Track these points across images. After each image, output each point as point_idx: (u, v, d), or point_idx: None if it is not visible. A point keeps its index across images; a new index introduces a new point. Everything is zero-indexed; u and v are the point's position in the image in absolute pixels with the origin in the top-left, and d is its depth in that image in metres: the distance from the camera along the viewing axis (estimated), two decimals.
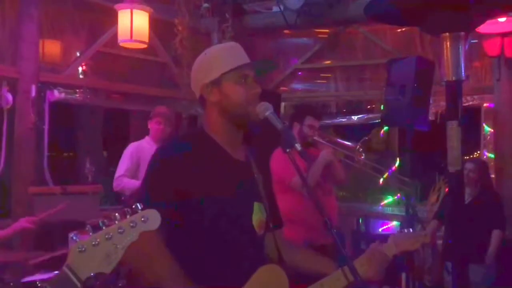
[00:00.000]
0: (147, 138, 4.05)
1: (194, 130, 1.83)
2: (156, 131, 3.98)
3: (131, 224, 1.15)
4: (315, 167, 3.29)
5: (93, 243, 1.11)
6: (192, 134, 1.80)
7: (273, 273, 1.63)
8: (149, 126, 4.04)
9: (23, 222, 2.79)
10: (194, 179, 1.56)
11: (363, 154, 3.51)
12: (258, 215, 1.67)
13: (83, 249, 1.10)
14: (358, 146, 3.50)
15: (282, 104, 5.75)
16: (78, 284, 1.11)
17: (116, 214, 1.17)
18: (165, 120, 3.98)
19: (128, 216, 1.16)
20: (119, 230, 1.14)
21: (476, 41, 5.07)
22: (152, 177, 1.61)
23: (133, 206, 1.18)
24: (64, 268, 1.11)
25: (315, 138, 3.45)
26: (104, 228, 1.14)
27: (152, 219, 1.17)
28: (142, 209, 1.18)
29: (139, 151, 3.91)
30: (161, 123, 3.97)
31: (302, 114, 3.54)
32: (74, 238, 1.11)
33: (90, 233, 1.12)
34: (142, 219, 1.16)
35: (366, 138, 3.67)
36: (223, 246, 1.59)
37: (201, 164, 1.59)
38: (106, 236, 1.13)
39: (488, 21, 4.29)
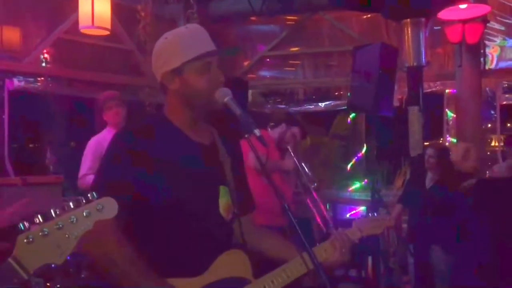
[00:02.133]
0: (108, 128, 3.92)
1: (154, 115, 1.78)
2: (112, 119, 3.84)
3: (85, 214, 1.10)
4: (275, 165, 3.62)
5: (42, 233, 1.05)
6: (152, 119, 1.75)
7: (236, 258, 1.62)
8: (104, 118, 3.88)
9: None
10: (155, 164, 1.52)
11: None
12: (224, 199, 1.65)
13: (31, 239, 1.05)
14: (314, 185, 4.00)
15: (250, 91, 5.73)
16: (25, 277, 1.05)
17: (70, 203, 1.11)
18: (114, 104, 3.83)
19: (82, 205, 1.11)
20: (71, 220, 1.08)
21: (439, 28, 5.16)
22: (111, 164, 1.56)
23: (88, 195, 1.13)
24: (10, 260, 1.05)
25: (289, 147, 3.79)
26: (55, 217, 1.08)
27: (108, 207, 1.12)
28: (98, 197, 1.13)
29: (101, 145, 3.72)
30: (112, 107, 3.80)
31: (294, 121, 3.98)
32: (22, 227, 1.05)
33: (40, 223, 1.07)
34: (98, 207, 1.11)
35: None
36: (187, 231, 1.57)
37: (162, 149, 1.55)
38: (57, 226, 1.07)
39: (450, 8, 4.38)
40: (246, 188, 1.81)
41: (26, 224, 1.07)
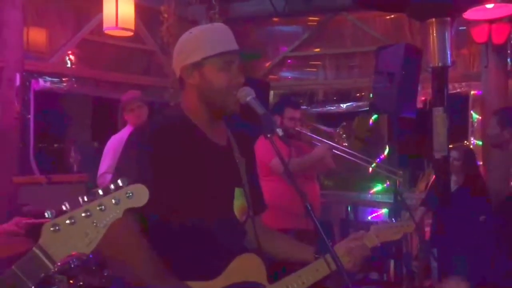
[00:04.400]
0: (128, 127, 3.89)
1: (173, 111, 1.76)
2: (134, 120, 3.84)
3: (114, 201, 1.05)
4: (308, 158, 3.31)
5: (69, 221, 1.01)
6: (170, 116, 1.71)
7: (251, 262, 1.60)
8: (125, 118, 3.90)
9: (12, 226, 2.73)
10: (172, 164, 1.50)
11: (345, 140, 3.53)
12: (239, 201, 1.63)
13: (57, 228, 1.01)
14: (338, 131, 3.53)
15: (271, 92, 5.72)
16: (51, 267, 1.01)
17: (99, 190, 1.07)
18: (136, 106, 3.85)
19: (111, 192, 1.07)
20: (99, 207, 1.04)
21: (464, 28, 5.07)
22: (129, 163, 1.54)
23: (118, 181, 1.08)
24: (34, 249, 1.00)
25: (297, 129, 3.48)
26: (83, 205, 1.05)
27: (138, 194, 1.07)
28: (127, 184, 1.08)
29: (121, 144, 3.77)
30: (134, 109, 3.84)
31: (282, 106, 3.55)
32: (50, 215, 1.01)
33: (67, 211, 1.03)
34: (127, 195, 1.06)
35: (345, 123, 3.68)
36: (202, 232, 1.54)
37: (179, 148, 1.53)
38: (84, 214, 1.03)
39: (476, 8, 4.30)
40: (258, 189, 1.80)
41: (53, 212, 1.03)
